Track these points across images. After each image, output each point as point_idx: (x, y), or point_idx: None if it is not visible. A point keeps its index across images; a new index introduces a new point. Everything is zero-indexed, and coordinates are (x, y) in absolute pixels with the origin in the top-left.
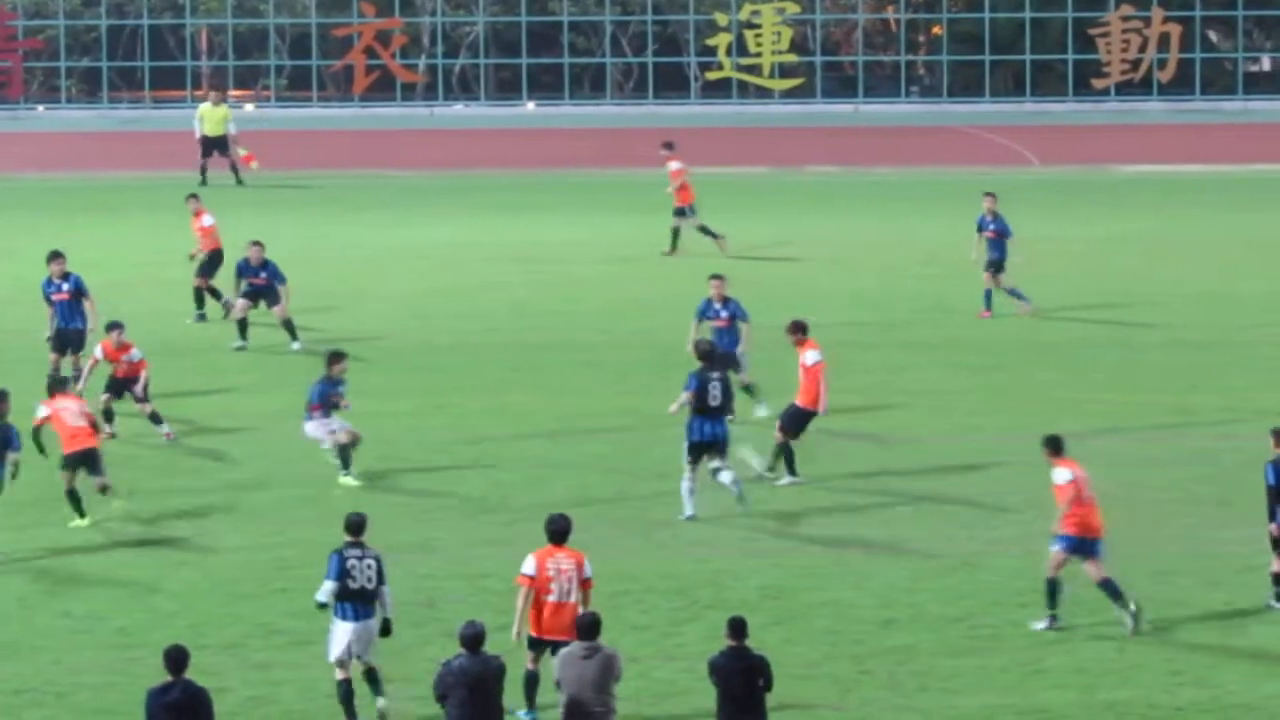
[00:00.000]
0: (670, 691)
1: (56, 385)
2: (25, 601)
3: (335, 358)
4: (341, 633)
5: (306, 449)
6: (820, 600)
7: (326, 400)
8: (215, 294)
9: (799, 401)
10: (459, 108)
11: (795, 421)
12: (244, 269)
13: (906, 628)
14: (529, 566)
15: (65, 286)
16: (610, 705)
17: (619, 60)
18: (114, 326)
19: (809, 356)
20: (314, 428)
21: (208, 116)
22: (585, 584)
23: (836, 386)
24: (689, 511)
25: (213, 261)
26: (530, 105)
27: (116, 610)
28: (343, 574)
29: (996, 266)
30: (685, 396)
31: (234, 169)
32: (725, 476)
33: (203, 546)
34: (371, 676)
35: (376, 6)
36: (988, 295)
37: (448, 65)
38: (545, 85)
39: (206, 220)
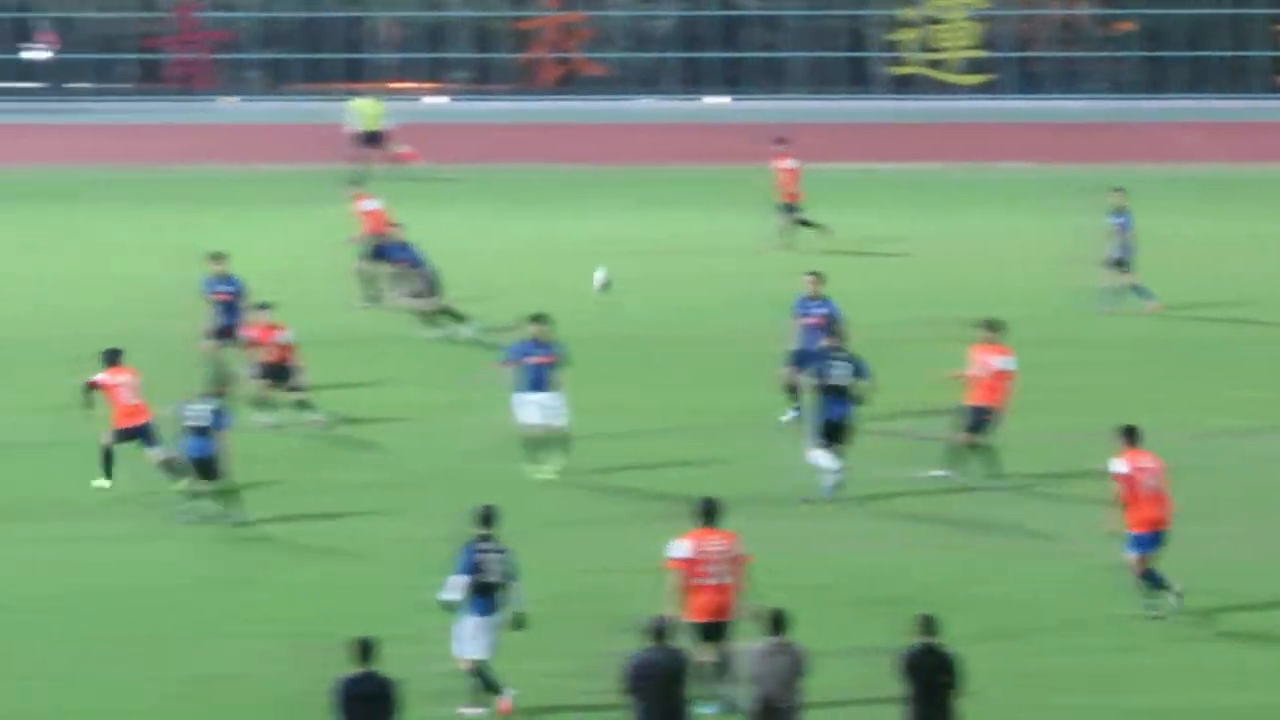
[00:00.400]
0: (854, 685)
1: (112, 357)
2: (208, 589)
3: (533, 319)
4: (471, 627)
5: (474, 438)
6: (990, 595)
7: (520, 359)
8: (372, 283)
9: (978, 400)
10: (644, 101)
11: (980, 421)
12: (390, 251)
13: (1079, 625)
14: (681, 549)
15: (225, 288)
16: (799, 700)
17: (805, 55)
18: (263, 308)
19: (999, 362)
20: (521, 405)
21: (364, 112)
22: (738, 560)
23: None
24: (829, 479)
25: (376, 246)
26: (716, 99)
27: (297, 599)
28: (473, 568)
29: (1119, 264)
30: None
31: (387, 163)
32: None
33: (383, 538)
34: (483, 672)
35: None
36: (1135, 289)
37: (633, 59)
38: (731, 79)
39: (367, 205)
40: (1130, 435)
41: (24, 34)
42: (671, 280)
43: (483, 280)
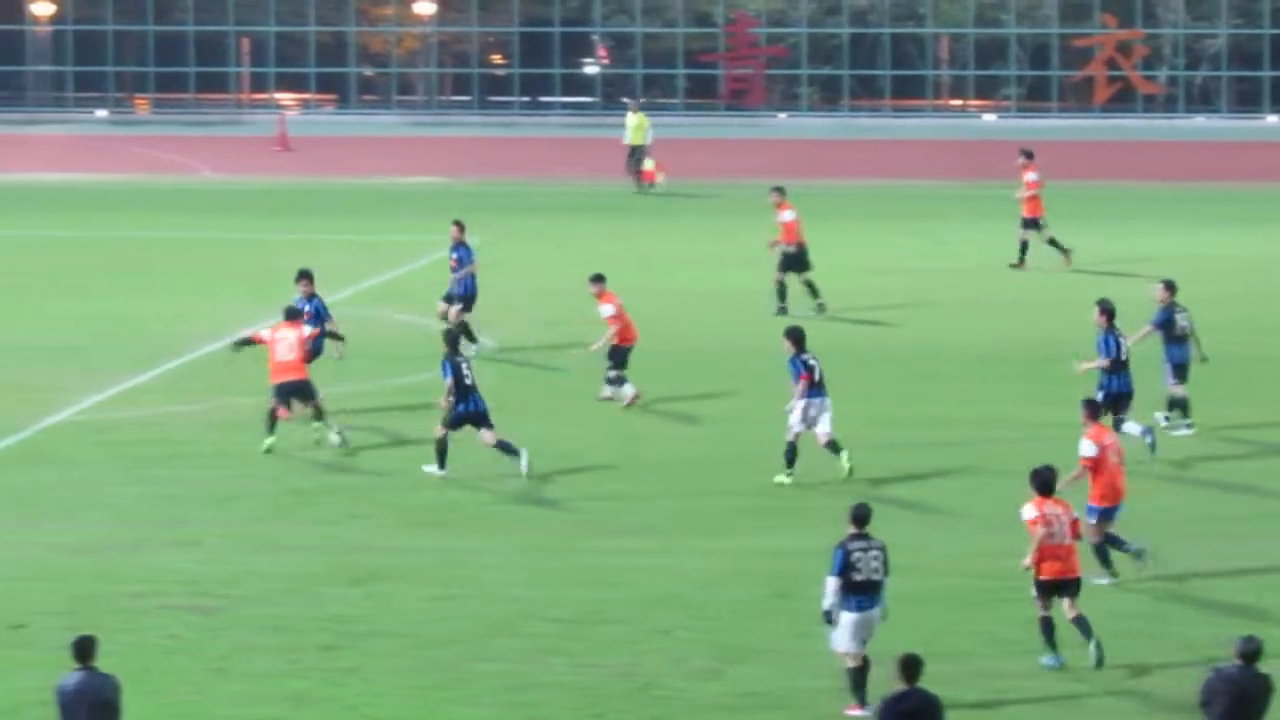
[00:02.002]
0: None
1: (289, 314)
2: (759, 606)
3: (789, 333)
4: (845, 623)
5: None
6: None
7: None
8: (782, 292)
9: None
10: (1199, 120)
11: None
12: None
13: None
14: (1030, 512)
15: (308, 307)
16: None
17: None
18: (596, 280)
19: None
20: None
21: (631, 125)
22: (1075, 525)
23: None
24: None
25: (793, 256)
26: (1271, 118)
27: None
28: (846, 567)
29: None
30: (1102, 361)
31: (636, 178)
32: (1131, 428)
33: (929, 553)
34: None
35: (1119, 17)
36: None
37: (1188, 77)
38: None
39: (787, 215)
40: (1094, 410)
41: (581, 49)
42: (1245, 298)
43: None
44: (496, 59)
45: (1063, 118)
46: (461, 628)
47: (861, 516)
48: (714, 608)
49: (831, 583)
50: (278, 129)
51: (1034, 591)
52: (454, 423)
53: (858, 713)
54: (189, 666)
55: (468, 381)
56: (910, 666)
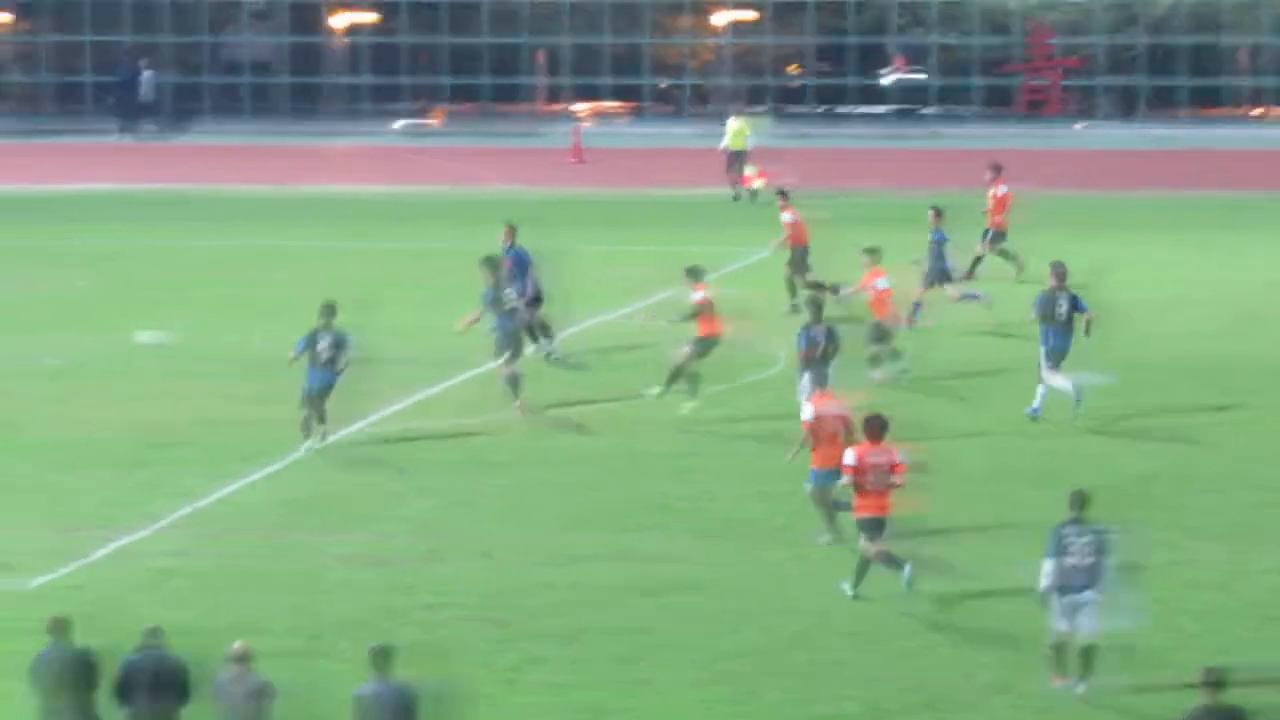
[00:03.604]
0: None
1: (693, 274)
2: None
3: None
4: (1062, 606)
5: None
6: None
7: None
8: (834, 288)
9: None
10: None
11: None
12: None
13: None
14: (850, 458)
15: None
16: None
17: None
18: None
19: None
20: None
21: (730, 131)
22: (896, 469)
23: None
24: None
25: (795, 256)
26: None
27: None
28: (1059, 550)
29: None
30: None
31: (735, 184)
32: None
33: (1229, 568)
34: (1087, 656)
35: None
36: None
37: None
38: None
39: (787, 217)
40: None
41: (877, 59)
42: None
43: None
44: (792, 69)
45: None
46: (754, 641)
47: (1078, 501)
48: (1007, 620)
49: (1046, 564)
50: (572, 140)
51: (859, 533)
52: (304, 397)
53: (1060, 684)
54: (480, 678)
55: (323, 358)
56: (1214, 678)
